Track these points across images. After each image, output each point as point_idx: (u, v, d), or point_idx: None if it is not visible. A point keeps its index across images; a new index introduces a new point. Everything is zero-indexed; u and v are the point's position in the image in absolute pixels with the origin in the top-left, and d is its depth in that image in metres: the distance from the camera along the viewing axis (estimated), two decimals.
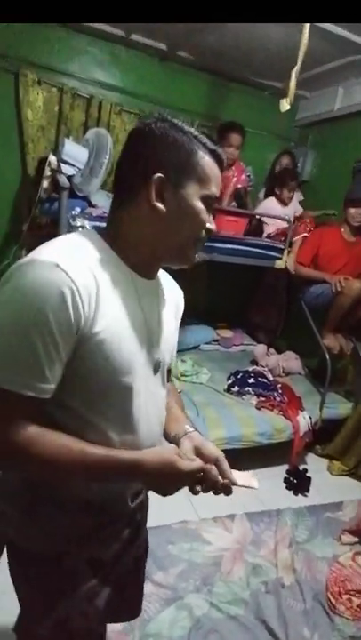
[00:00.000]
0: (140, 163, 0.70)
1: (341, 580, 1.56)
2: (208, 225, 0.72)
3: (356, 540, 1.77)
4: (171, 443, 0.87)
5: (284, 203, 2.99)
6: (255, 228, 3.05)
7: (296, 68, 1.59)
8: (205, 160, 0.70)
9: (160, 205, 0.69)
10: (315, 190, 3.36)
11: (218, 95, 3.21)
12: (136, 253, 0.72)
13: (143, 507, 0.95)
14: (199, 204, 0.70)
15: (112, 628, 1.25)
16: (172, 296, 0.87)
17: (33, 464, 0.65)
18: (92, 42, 2.85)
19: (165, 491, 0.73)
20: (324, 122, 3.27)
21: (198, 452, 0.81)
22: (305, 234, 2.80)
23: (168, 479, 0.72)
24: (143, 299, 0.74)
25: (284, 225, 2.84)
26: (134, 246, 0.72)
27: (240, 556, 1.62)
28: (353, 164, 2.83)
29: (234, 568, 1.56)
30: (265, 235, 2.94)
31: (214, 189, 0.72)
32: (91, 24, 2.69)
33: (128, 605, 1.01)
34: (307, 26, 1.54)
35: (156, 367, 0.79)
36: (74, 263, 0.63)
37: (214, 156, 0.72)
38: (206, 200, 0.71)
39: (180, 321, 0.92)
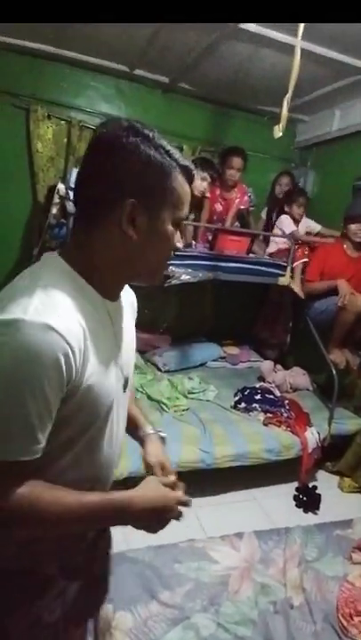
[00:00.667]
0: (110, 183, 0.65)
1: (351, 601, 1.52)
2: (177, 244, 0.72)
3: None
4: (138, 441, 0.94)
5: (295, 220, 3.06)
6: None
7: (287, 96, 1.68)
8: (179, 181, 0.68)
9: (132, 232, 0.66)
10: (317, 209, 3.42)
11: (219, 122, 3.34)
12: (107, 279, 0.71)
13: None
14: (171, 229, 0.70)
15: None
16: (129, 300, 0.87)
17: (31, 523, 0.65)
18: (97, 77, 3.03)
19: (156, 527, 0.73)
20: (323, 143, 3.37)
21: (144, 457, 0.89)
22: (305, 259, 2.85)
23: (160, 513, 0.72)
24: (115, 323, 0.75)
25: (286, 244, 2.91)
26: (105, 272, 0.70)
27: (248, 575, 1.60)
28: (353, 183, 2.89)
29: (242, 587, 1.54)
30: (267, 253, 3.02)
31: (186, 210, 0.71)
32: (95, 61, 2.86)
33: (93, 601, 0.99)
34: (298, 53, 1.63)
35: (125, 384, 0.79)
36: (63, 317, 0.60)
37: (186, 172, 0.69)
38: (177, 221, 0.71)
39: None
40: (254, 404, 2.69)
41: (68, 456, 0.69)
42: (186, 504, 0.75)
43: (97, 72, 2.99)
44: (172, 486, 0.78)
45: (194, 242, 2.80)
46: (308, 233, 3.11)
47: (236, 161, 2.82)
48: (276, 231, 3.07)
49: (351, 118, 3.03)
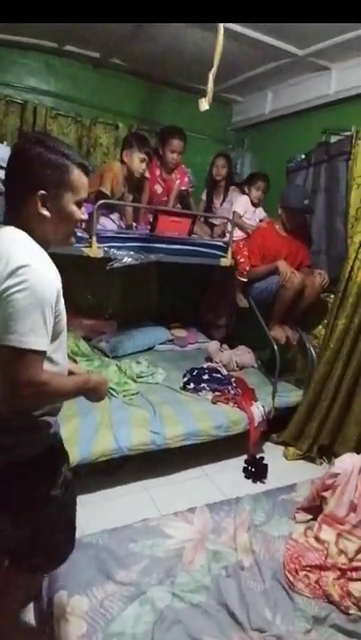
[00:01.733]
0: (25, 181, 0.97)
1: (296, 557, 1.62)
2: (80, 217, 1.04)
3: (310, 516, 1.87)
4: None
5: (253, 204, 3.11)
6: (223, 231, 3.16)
7: (213, 71, 1.70)
8: (75, 174, 0.99)
9: (45, 212, 0.97)
10: None
11: (154, 99, 3.28)
12: (41, 241, 0.99)
13: None
14: (73, 208, 1.02)
15: (74, 632, 1.24)
16: None
17: (49, 396, 1.00)
18: (25, 54, 2.86)
19: (101, 398, 1.17)
20: (258, 125, 3.43)
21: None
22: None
23: (103, 389, 1.17)
24: None
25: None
26: (39, 237, 0.99)
27: (201, 545, 1.65)
28: (286, 165, 2.99)
29: (195, 557, 1.59)
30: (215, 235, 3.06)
31: (83, 194, 1.03)
32: (23, 40, 2.68)
33: None
34: (221, 30, 1.65)
35: None
36: (50, 264, 0.97)
37: (82, 167, 1.01)
38: (78, 203, 1.02)
39: None
40: (203, 384, 2.75)
41: (54, 354, 1.03)
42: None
43: (25, 49, 2.80)
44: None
45: (135, 224, 2.76)
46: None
47: (177, 143, 2.79)
48: (226, 205, 3.10)
49: (283, 100, 3.11)
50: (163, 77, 3.20)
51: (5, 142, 2.57)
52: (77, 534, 1.68)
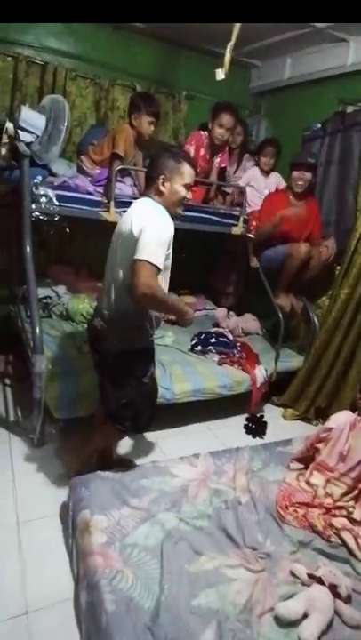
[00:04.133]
0: (155, 169, 1.61)
1: (287, 496, 1.84)
2: (185, 195, 1.64)
3: (302, 466, 2.07)
4: None
5: (265, 172, 3.14)
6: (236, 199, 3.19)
7: (231, 43, 1.75)
8: (185, 166, 1.61)
9: (164, 189, 1.60)
10: None
11: (172, 62, 3.26)
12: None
13: None
14: (182, 189, 1.62)
15: (96, 542, 1.46)
16: None
17: (159, 300, 1.53)
18: None
19: (188, 325, 1.83)
20: (276, 91, 3.41)
21: None
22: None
23: (192, 319, 1.80)
24: None
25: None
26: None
27: (204, 484, 1.86)
28: (301, 134, 3.00)
29: (199, 492, 1.80)
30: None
31: (188, 180, 1.63)
32: None
33: None
34: None
35: None
36: (169, 218, 1.58)
37: (189, 161, 1.64)
38: (185, 185, 1.63)
39: None
40: (210, 347, 2.90)
41: (162, 282, 1.61)
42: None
43: None
44: None
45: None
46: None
47: (227, 119, 2.69)
48: (240, 173, 3.17)
49: (301, 68, 3.08)
50: (182, 40, 3.16)
51: (27, 104, 2.61)
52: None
